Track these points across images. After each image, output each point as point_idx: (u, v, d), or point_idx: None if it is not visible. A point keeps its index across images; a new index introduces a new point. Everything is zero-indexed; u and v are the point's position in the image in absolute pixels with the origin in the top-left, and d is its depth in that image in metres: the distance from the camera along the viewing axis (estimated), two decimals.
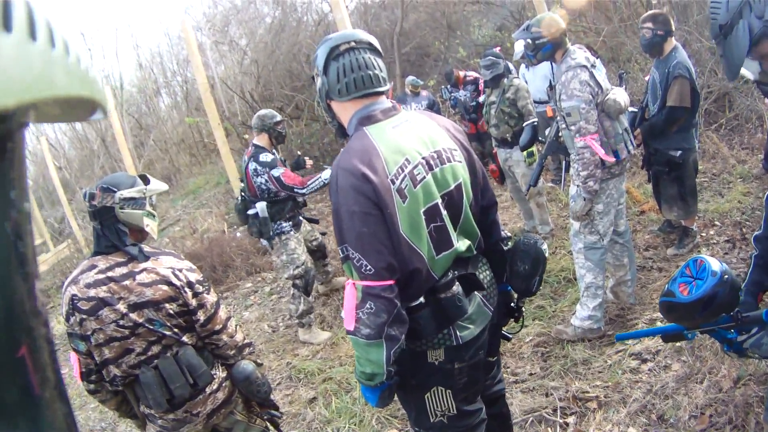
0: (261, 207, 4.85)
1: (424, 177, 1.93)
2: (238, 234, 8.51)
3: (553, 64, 3.94)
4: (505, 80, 5.55)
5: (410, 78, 8.18)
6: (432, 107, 7.85)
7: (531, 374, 3.74)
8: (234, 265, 7.33)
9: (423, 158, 1.95)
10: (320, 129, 10.76)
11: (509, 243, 2.38)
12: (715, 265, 1.79)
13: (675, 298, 1.83)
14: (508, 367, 3.84)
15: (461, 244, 2.07)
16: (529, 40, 3.72)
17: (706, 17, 7.63)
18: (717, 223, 5.13)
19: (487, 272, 2.24)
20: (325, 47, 1.99)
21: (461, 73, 7.73)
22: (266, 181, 4.77)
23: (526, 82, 6.37)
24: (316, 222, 5.65)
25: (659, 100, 4.51)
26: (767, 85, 1.98)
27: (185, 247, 8.42)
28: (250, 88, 12.48)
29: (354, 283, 1.87)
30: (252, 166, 4.84)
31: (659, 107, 4.52)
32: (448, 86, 7.83)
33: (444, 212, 1.99)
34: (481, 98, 6.85)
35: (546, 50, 3.69)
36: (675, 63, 4.33)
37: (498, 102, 5.57)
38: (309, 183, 4.73)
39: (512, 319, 2.46)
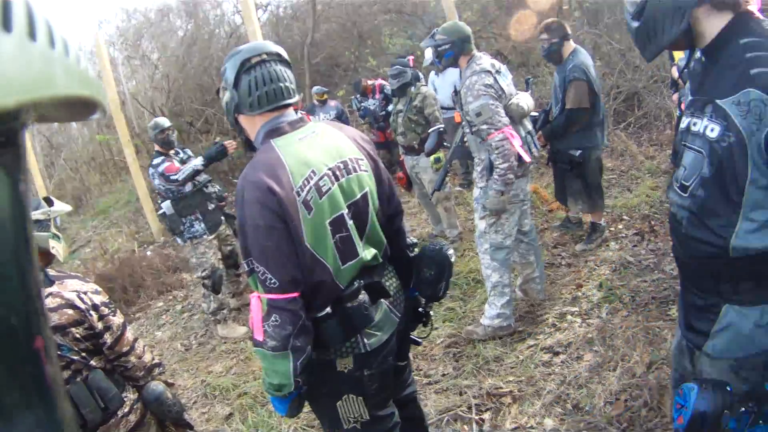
0: (166, 205, 5.16)
1: (330, 188, 1.93)
2: (149, 253, 8.27)
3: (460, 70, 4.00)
4: (412, 88, 5.62)
5: (315, 88, 8.23)
6: (340, 117, 7.87)
7: (444, 375, 3.77)
8: (145, 284, 7.12)
9: (329, 169, 1.95)
10: None
11: (415, 249, 2.40)
12: (691, 383, 1.81)
13: None
14: (421, 370, 3.86)
15: (367, 253, 2.07)
16: (433, 47, 3.79)
17: (617, 20, 7.98)
18: (625, 217, 5.34)
19: (394, 279, 2.25)
20: (236, 60, 1.95)
21: (370, 83, 7.80)
22: (158, 179, 5.11)
23: (436, 89, 6.48)
24: (234, 218, 5.60)
25: (560, 104, 4.69)
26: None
27: (96, 269, 8.10)
28: (160, 104, 12.17)
29: (259, 296, 1.87)
30: (150, 171, 5.23)
31: (560, 110, 4.69)
32: (358, 96, 7.89)
33: (350, 222, 1.99)
34: (390, 107, 6.92)
35: (448, 56, 3.75)
36: (571, 66, 4.51)
37: (405, 110, 5.64)
38: (182, 168, 5.06)
39: (421, 324, 2.48)
